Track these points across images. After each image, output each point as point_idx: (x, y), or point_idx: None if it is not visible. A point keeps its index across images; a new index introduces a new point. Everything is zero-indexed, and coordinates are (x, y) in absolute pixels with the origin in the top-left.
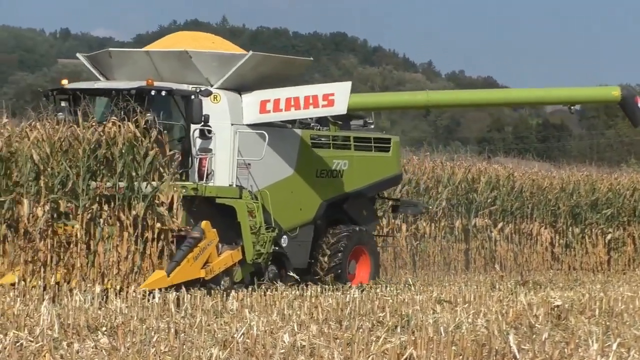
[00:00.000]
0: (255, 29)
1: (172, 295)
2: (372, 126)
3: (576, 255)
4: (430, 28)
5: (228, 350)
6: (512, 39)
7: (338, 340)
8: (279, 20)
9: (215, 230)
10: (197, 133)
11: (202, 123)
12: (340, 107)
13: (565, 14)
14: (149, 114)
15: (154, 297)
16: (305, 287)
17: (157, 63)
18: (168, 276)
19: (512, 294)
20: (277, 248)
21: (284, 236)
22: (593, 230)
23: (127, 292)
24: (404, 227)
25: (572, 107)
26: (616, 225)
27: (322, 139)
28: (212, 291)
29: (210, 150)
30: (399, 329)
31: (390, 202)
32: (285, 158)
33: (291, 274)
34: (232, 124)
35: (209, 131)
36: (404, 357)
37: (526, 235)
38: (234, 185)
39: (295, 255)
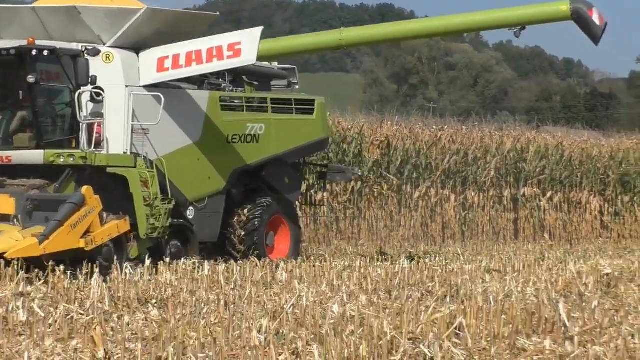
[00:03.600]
0: (302, 2)
1: (221, 267)
2: (297, 87)
3: (625, 223)
4: None
5: (278, 321)
6: None
7: (387, 310)
8: None
9: (98, 197)
10: (86, 96)
11: (91, 85)
12: (248, 57)
13: None
14: (30, 77)
15: (203, 270)
16: (353, 258)
17: (45, 20)
18: (41, 243)
19: (561, 262)
20: (178, 220)
21: (190, 208)
22: None
23: (176, 265)
24: (452, 197)
25: (518, 31)
26: None
27: (235, 101)
28: (261, 263)
29: (102, 114)
30: (448, 299)
31: (318, 169)
32: (189, 123)
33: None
34: (126, 86)
35: (98, 94)
36: (454, 326)
37: (575, 204)
38: (129, 153)
39: (203, 228)
